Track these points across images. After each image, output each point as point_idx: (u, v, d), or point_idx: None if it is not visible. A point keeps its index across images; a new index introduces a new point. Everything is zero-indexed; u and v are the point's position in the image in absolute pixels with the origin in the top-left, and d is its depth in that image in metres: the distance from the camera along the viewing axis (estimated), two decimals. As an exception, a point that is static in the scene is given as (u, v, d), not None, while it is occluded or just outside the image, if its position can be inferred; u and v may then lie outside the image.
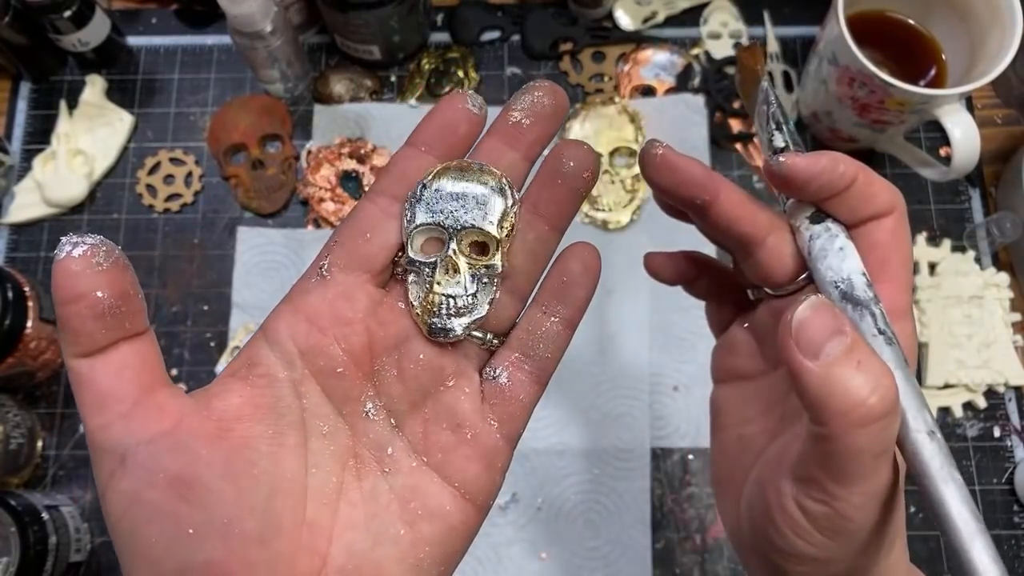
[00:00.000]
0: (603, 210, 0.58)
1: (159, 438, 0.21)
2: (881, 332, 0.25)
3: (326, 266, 0.24)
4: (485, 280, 0.25)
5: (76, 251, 0.20)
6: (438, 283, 0.25)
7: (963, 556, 0.23)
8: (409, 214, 0.25)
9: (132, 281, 0.22)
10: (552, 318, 0.25)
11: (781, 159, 0.26)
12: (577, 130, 0.60)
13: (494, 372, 0.25)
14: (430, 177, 0.25)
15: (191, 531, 0.20)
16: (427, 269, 0.25)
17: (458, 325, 0.25)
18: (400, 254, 0.25)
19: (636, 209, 0.58)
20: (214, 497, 0.20)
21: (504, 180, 0.25)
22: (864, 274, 0.25)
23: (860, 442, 0.21)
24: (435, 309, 0.25)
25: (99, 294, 0.21)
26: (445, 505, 0.23)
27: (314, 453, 0.23)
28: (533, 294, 0.26)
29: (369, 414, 0.24)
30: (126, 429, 0.21)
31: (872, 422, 0.21)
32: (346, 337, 0.23)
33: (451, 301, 0.25)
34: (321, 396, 0.23)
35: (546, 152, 0.26)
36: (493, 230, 0.25)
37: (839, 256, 0.26)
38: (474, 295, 0.25)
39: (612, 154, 0.59)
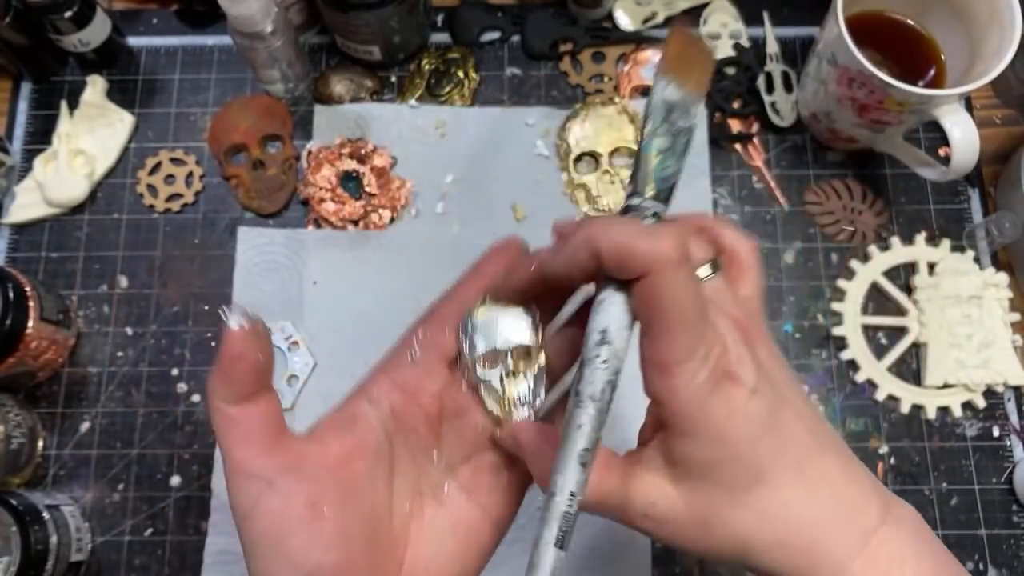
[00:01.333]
0: (604, 210, 0.58)
1: (294, 470, 0.27)
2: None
3: (417, 351, 0.32)
4: (536, 375, 0.33)
5: (244, 322, 0.27)
6: (509, 388, 0.33)
7: None
8: (468, 342, 0.33)
9: (272, 349, 0.28)
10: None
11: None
12: (577, 130, 0.60)
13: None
14: (478, 311, 0.34)
15: (324, 540, 0.27)
16: (495, 380, 0.33)
17: (529, 412, 0.33)
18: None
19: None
20: (337, 515, 0.27)
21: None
22: (602, 331, 0.27)
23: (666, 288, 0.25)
24: (511, 406, 0.33)
25: (259, 357, 0.27)
26: (482, 529, 0.31)
27: (396, 487, 0.30)
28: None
29: (433, 461, 0.31)
30: (268, 462, 0.27)
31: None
32: (425, 405, 0.31)
33: (522, 397, 0.33)
34: (404, 446, 0.31)
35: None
36: (532, 341, 0.33)
37: (597, 310, 0.27)
38: (533, 388, 0.33)
39: (612, 154, 0.59)
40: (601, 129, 0.60)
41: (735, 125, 0.62)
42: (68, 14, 0.57)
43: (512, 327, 0.33)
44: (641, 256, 0.25)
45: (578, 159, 0.60)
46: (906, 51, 0.57)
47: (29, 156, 0.61)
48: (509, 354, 0.33)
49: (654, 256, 0.24)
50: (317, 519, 0.27)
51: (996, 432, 0.55)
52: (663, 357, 0.26)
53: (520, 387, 0.33)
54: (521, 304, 0.34)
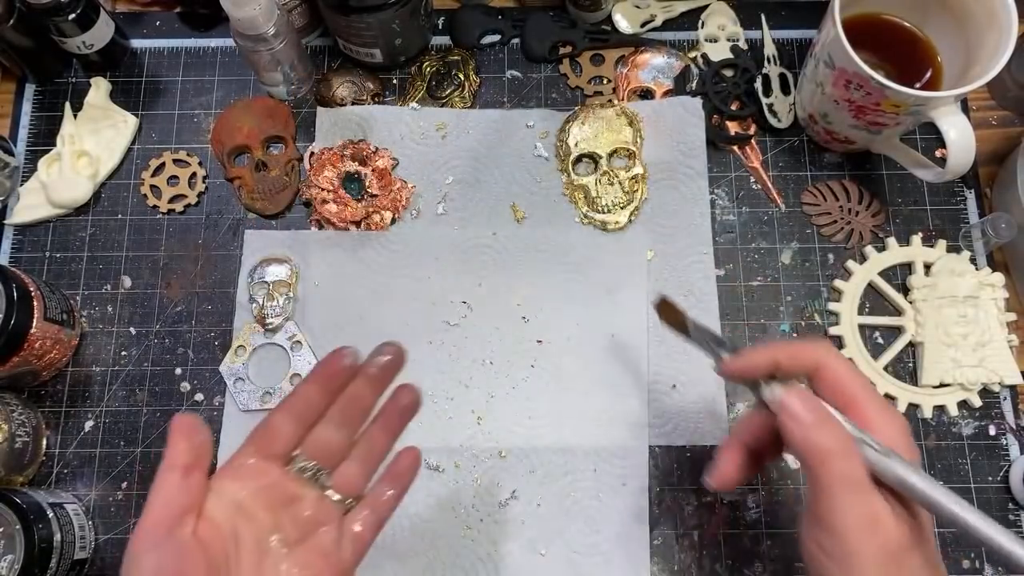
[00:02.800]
0: (602, 211, 0.59)
1: (171, 546, 0.35)
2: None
3: (252, 459, 0.38)
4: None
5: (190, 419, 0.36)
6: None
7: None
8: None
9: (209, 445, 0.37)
10: (387, 489, 0.41)
11: (718, 367, 0.42)
12: (576, 132, 0.60)
13: (354, 522, 0.39)
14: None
15: None
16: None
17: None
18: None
19: (635, 210, 0.59)
20: None
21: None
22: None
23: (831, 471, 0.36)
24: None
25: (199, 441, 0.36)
26: None
27: (244, 564, 0.36)
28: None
29: (272, 545, 0.37)
30: (162, 539, 0.35)
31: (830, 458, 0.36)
32: (263, 497, 0.37)
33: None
34: (248, 531, 0.37)
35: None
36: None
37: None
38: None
39: (611, 155, 0.60)
40: (600, 131, 0.60)
41: (733, 127, 0.62)
42: (72, 16, 0.58)
43: None
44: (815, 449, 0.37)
45: (577, 160, 0.60)
46: (903, 53, 0.57)
47: (33, 157, 0.61)
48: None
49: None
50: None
51: (992, 431, 0.56)
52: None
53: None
54: None
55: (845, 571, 0.35)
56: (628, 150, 0.60)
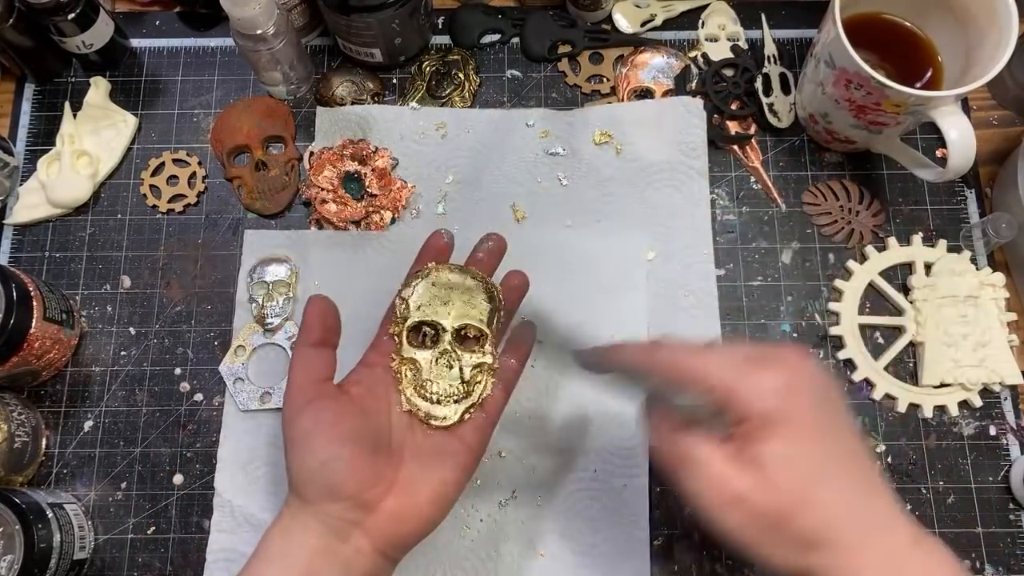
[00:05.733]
0: (430, 399, 0.44)
1: (328, 397, 0.42)
2: None
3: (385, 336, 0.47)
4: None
5: (324, 297, 0.44)
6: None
7: None
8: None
9: (339, 323, 0.45)
10: (510, 359, 0.48)
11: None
12: (421, 291, 0.47)
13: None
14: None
15: (339, 441, 0.40)
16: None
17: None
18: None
19: (471, 407, 0.44)
20: (351, 428, 0.41)
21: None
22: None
23: None
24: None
25: (331, 322, 0.44)
26: (459, 453, 0.43)
27: (394, 419, 0.44)
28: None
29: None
30: (313, 389, 0.42)
31: None
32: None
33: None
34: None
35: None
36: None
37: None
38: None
39: (458, 332, 0.46)
40: (452, 297, 0.46)
41: (733, 126, 0.62)
42: (71, 16, 0.57)
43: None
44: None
45: (415, 328, 0.46)
46: (903, 53, 0.57)
47: (33, 157, 0.61)
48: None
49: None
50: (336, 427, 0.40)
51: (993, 431, 0.56)
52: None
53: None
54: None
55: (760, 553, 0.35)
56: (479, 330, 0.46)
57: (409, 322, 0.45)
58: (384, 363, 0.45)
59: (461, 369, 0.45)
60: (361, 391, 0.43)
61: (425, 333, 0.46)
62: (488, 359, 0.45)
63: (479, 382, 0.45)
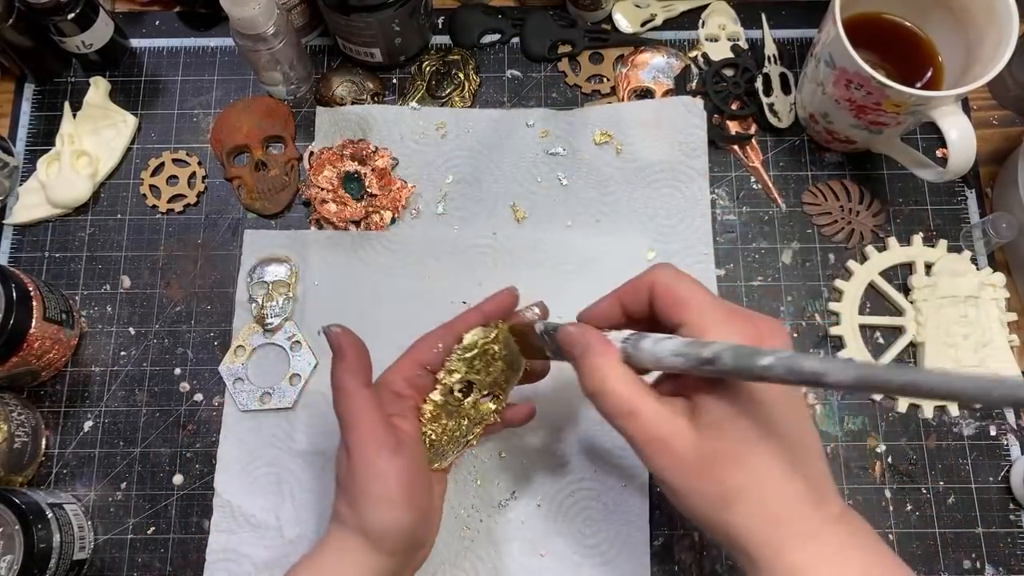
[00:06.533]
0: (438, 445, 0.45)
1: (398, 444, 0.42)
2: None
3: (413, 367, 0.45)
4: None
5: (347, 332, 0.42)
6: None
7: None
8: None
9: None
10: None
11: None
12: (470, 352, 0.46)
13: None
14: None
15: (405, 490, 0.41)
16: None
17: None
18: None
19: (462, 449, 0.47)
20: (417, 486, 0.42)
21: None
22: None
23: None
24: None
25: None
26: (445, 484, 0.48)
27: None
28: None
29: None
30: (385, 437, 0.41)
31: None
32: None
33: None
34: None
35: None
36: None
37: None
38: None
39: (485, 392, 0.46)
40: (497, 362, 0.46)
41: (733, 126, 0.62)
42: (71, 16, 0.57)
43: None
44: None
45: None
46: (903, 53, 0.57)
47: (32, 157, 0.61)
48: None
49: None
50: (421, 485, 0.42)
51: (993, 431, 0.56)
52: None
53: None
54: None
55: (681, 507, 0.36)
56: (502, 390, 0.46)
57: (457, 376, 0.44)
58: (416, 398, 0.44)
59: (470, 422, 0.46)
60: (412, 431, 0.43)
61: (462, 389, 0.45)
62: (493, 413, 0.46)
63: (477, 433, 0.47)
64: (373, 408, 0.41)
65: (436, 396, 0.44)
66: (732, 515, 0.34)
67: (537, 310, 0.45)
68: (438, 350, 0.44)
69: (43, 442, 0.55)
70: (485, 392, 0.45)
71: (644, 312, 0.39)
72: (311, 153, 0.60)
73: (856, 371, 0.28)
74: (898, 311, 0.58)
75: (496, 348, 0.44)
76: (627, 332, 0.38)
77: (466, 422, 0.45)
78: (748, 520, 0.33)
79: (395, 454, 0.40)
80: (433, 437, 0.45)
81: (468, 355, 0.44)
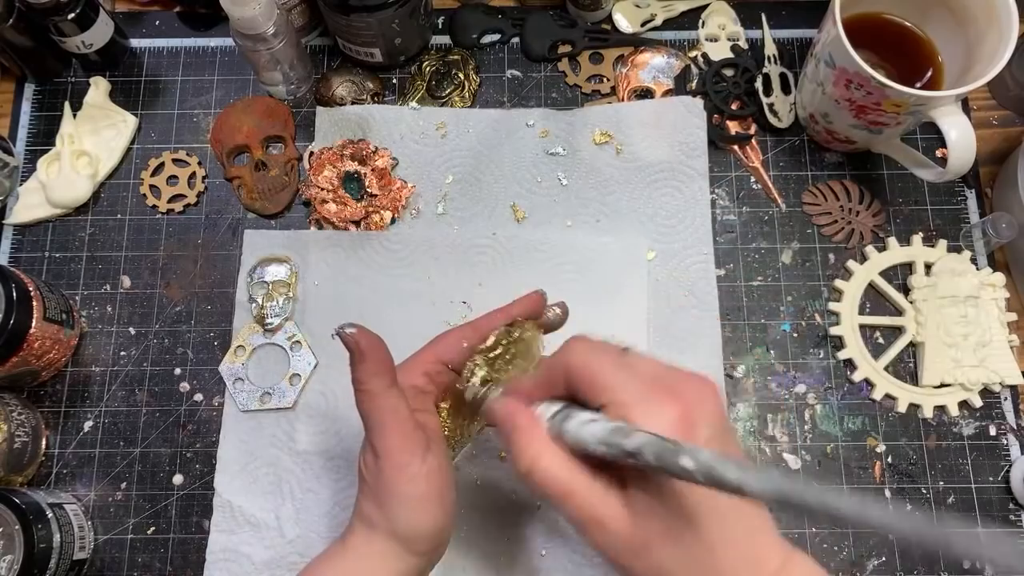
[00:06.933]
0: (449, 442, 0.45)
1: (426, 447, 0.40)
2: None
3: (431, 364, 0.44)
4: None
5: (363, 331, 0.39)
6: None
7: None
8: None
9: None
10: None
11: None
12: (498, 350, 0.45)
13: None
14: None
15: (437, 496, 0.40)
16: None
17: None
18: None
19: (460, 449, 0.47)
20: (445, 491, 0.41)
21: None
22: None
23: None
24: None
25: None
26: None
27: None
28: None
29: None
30: (413, 442, 0.40)
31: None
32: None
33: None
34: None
35: None
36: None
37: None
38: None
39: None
40: (518, 359, 0.45)
41: (733, 126, 0.62)
42: (71, 16, 0.57)
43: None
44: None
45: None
46: (903, 53, 0.57)
47: (32, 157, 0.61)
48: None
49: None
50: (449, 486, 0.41)
51: (993, 431, 0.56)
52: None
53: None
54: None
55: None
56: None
57: (480, 375, 0.42)
58: (436, 394, 0.43)
59: (480, 417, 0.44)
60: (436, 427, 0.42)
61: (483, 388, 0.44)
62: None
63: (483, 426, 0.46)
64: (402, 409, 0.39)
65: (459, 399, 0.43)
66: None
67: (558, 310, 0.44)
68: (463, 348, 0.43)
69: (43, 442, 0.55)
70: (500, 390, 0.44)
71: (567, 394, 0.37)
72: (311, 153, 0.60)
73: (774, 486, 0.28)
74: (898, 311, 0.58)
75: (519, 349, 0.44)
76: (557, 405, 0.37)
77: (477, 417, 0.45)
78: None
79: (427, 455, 0.39)
80: (447, 433, 0.44)
81: (492, 355, 0.43)
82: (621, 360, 0.36)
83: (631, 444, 0.31)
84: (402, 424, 0.39)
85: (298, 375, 0.56)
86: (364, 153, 0.59)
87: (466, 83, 0.63)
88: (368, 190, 0.59)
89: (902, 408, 0.56)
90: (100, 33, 0.60)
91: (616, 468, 0.34)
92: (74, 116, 0.62)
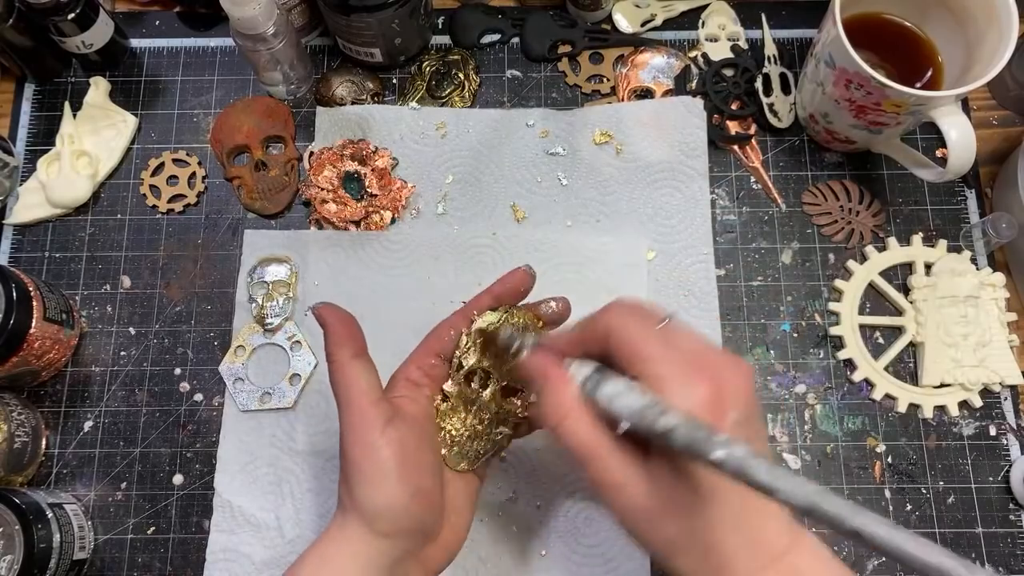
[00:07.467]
0: (458, 442, 0.43)
1: (394, 420, 0.39)
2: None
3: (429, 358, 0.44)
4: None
5: (330, 304, 0.42)
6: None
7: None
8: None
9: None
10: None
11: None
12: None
13: None
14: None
15: (415, 475, 0.39)
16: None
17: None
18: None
19: (479, 457, 0.44)
20: (420, 459, 0.40)
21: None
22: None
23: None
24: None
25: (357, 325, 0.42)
26: (473, 484, 0.45)
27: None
28: None
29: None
30: (378, 412, 0.39)
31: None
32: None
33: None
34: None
35: None
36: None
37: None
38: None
39: (506, 385, 0.44)
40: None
41: (733, 126, 0.62)
42: (71, 16, 0.57)
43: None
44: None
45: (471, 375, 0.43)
46: (903, 53, 0.57)
47: (32, 157, 0.61)
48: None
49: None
50: (419, 459, 0.39)
51: (993, 431, 0.56)
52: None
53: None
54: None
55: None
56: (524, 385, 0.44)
57: (470, 363, 0.42)
58: (432, 388, 0.43)
59: (493, 422, 0.43)
60: (417, 412, 0.41)
61: (478, 374, 0.43)
62: (519, 410, 0.44)
63: (506, 433, 0.44)
64: (364, 380, 0.39)
65: (450, 386, 0.43)
66: (678, 564, 0.34)
67: (554, 304, 0.43)
68: (450, 337, 0.43)
69: (43, 442, 0.55)
70: (504, 383, 0.43)
71: (605, 356, 0.37)
72: (311, 153, 0.60)
73: (806, 496, 0.27)
74: (898, 311, 0.58)
75: (518, 319, 0.42)
76: (591, 367, 0.37)
77: (488, 416, 0.43)
78: (693, 570, 0.34)
79: (388, 426, 0.38)
80: (453, 432, 0.43)
81: (480, 340, 0.42)
82: (662, 331, 0.36)
83: (662, 424, 0.32)
84: (361, 396, 0.39)
85: (298, 375, 0.56)
86: (364, 153, 0.59)
87: (466, 83, 0.63)
88: (368, 190, 0.59)
89: (902, 408, 0.56)
90: (100, 33, 0.60)
91: (640, 435, 0.35)
92: (74, 116, 0.62)
